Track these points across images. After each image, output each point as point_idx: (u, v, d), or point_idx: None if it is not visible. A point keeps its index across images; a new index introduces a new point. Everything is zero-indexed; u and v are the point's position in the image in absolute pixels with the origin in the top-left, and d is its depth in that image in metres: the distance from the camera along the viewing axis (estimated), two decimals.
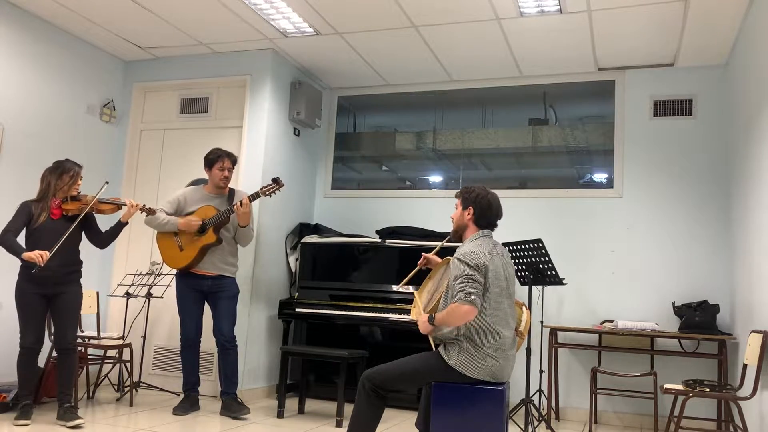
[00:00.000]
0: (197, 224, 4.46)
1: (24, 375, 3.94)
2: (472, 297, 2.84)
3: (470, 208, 3.14)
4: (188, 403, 4.52)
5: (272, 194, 4.51)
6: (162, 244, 4.58)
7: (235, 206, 4.40)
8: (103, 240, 4.26)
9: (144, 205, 4.34)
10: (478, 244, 3.05)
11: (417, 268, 3.44)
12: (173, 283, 5.19)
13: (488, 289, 2.94)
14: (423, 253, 3.45)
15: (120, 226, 4.26)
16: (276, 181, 4.49)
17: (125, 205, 4.24)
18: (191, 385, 4.58)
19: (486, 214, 3.12)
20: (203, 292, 4.58)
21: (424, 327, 3.03)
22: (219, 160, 4.58)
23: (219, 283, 4.56)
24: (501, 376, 2.98)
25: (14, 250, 3.87)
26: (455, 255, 3.01)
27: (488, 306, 2.94)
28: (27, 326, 3.93)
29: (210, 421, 4.29)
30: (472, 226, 3.15)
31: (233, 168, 4.67)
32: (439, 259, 3.39)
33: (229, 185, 4.73)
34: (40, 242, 3.92)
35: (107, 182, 4.39)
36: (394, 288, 5.23)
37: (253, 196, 4.46)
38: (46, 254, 3.81)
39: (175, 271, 5.23)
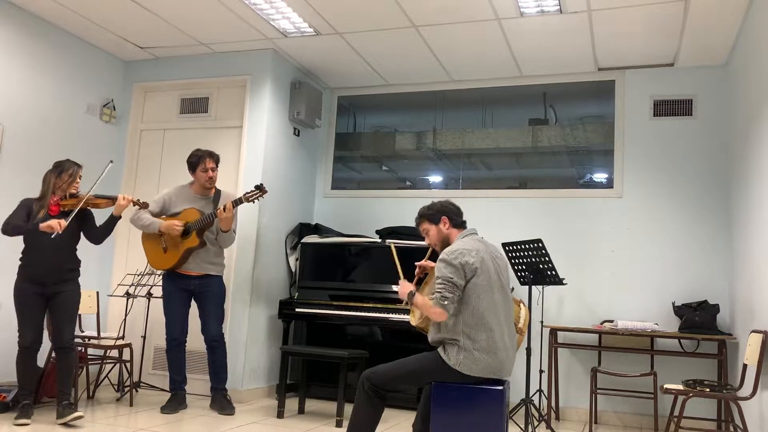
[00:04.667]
0: (179, 230, 4.43)
1: (23, 374, 3.95)
2: (446, 303, 2.92)
3: (443, 218, 3.26)
4: (176, 402, 4.54)
5: (255, 200, 4.48)
6: (147, 245, 4.59)
7: (218, 211, 4.38)
8: (97, 235, 4.28)
9: (138, 200, 4.36)
10: (464, 241, 3.13)
11: (416, 278, 3.48)
12: None
13: (476, 283, 2.98)
14: (416, 263, 3.47)
15: (113, 220, 4.26)
16: (259, 188, 4.44)
17: (115, 198, 4.25)
18: (178, 383, 4.61)
19: (458, 213, 3.28)
20: (190, 292, 4.60)
21: (402, 291, 3.13)
22: (201, 161, 4.55)
23: (205, 282, 4.59)
24: (501, 373, 2.98)
25: (24, 228, 3.92)
26: (441, 255, 3.07)
27: (480, 300, 2.97)
28: (25, 325, 3.95)
29: (209, 421, 4.29)
30: (453, 231, 3.25)
31: (217, 167, 4.64)
32: (433, 264, 3.40)
33: (217, 186, 4.73)
34: (37, 238, 3.94)
35: (111, 161, 4.41)
36: (393, 288, 5.22)
37: (236, 202, 4.42)
38: (64, 222, 3.86)
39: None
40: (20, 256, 4.03)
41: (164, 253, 4.53)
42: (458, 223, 3.26)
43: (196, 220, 4.46)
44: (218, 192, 4.70)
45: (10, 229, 3.95)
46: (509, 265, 3.29)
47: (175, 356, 4.59)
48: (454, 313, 2.97)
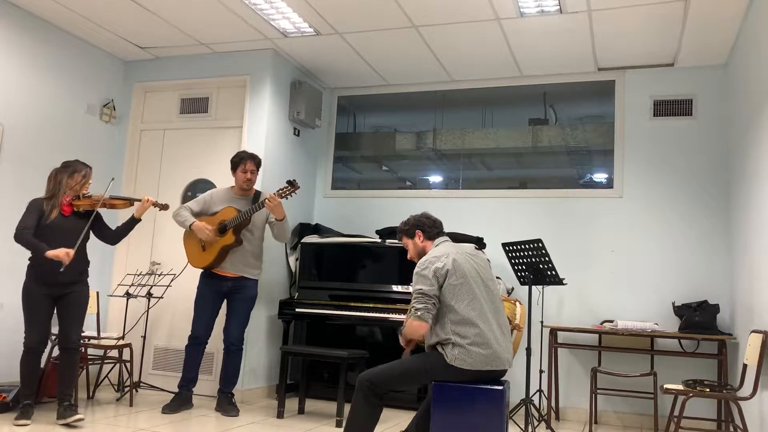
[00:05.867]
0: (209, 232, 4.47)
1: (26, 375, 3.93)
2: (419, 313, 3.00)
3: (417, 232, 3.37)
4: (178, 402, 4.53)
5: (289, 196, 4.53)
6: (187, 244, 4.65)
7: (266, 201, 4.44)
8: (114, 236, 4.28)
9: (157, 201, 4.36)
10: (435, 249, 3.23)
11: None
12: (174, 284, 5.22)
13: (451, 283, 3.05)
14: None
15: (133, 222, 4.27)
16: (291, 183, 4.50)
17: (137, 201, 4.25)
18: (187, 381, 4.60)
19: (430, 224, 3.38)
20: (223, 293, 4.63)
21: (401, 340, 3.24)
22: (242, 162, 4.66)
23: (239, 284, 4.62)
24: (499, 363, 3.00)
25: (36, 247, 3.86)
26: (415, 269, 3.16)
27: (460, 298, 3.03)
28: (32, 327, 3.92)
29: (209, 421, 4.29)
30: (428, 243, 3.36)
31: (257, 170, 4.72)
32: None
33: (255, 188, 4.80)
34: (50, 239, 3.91)
35: (113, 179, 4.41)
36: (394, 288, 5.22)
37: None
38: (72, 251, 3.82)
39: (177, 272, 5.25)
40: (29, 256, 4.01)
41: (202, 251, 4.56)
42: (432, 234, 3.36)
43: (232, 217, 4.51)
44: (258, 193, 4.78)
45: (24, 241, 3.87)
46: (490, 263, 3.35)
47: (192, 354, 4.60)
48: (442, 316, 3.04)
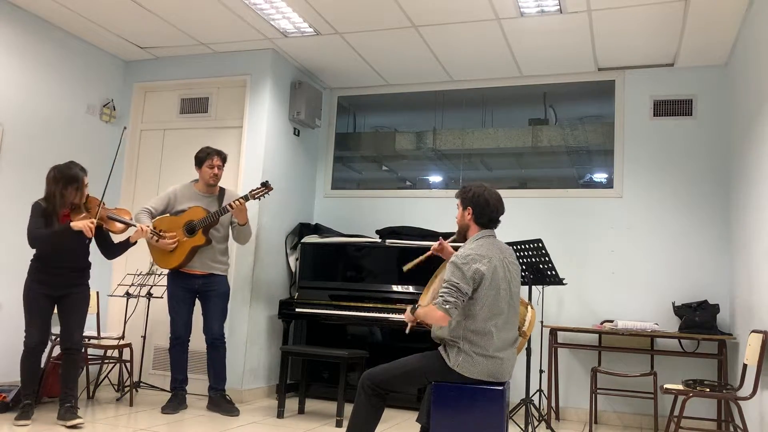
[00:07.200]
0: (171, 248, 4.46)
1: (27, 375, 3.93)
2: (448, 306, 2.85)
3: (469, 208, 3.12)
4: (176, 402, 4.54)
5: (261, 197, 4.52)
6: (152, 245, 4.57)
7: (234, 204, 4.42)
8: (110, 252, 4.26)
9: (154, 230, 4.31)
10: (478, 245, 3.03)
11: (430, 252, 3.39)
12: None
13: (482, 292, 2.92)
14: (440, 238, 3.39)
15: (128, 244, 4.25)
16: (265, 185, 4.49)
17: (134, 226, 4.22)
18: (179, 383, 4.61)
19: (485, 212, 3.09)
20: (194, 291, 4.61)
21: (407, 315, 3.08)
22: (208, 158, 4.62)
23: (209, 281, 4.60)
24: (501, 376, 2.97)
25: (54, 232, 3.85)
26: (452, 257, 3.00)
27: (483, 308, 2.93)
28: (32, 326, 3.92)
29: (209, 421, 4.29)
30: (473, 226, 3.13)
31: (223, 165, 4.69)
32: (453, 250, 3.31)
33: (221, 184, 4.76)
34: (50, 248, 3.92)
35: (125, 127, 4.38)
36: (393, 288, 5.22)
37: (243, 199, 4.47)
38: (95, 220, 3.86)
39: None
40: (32, 257, 4.00)
41: (170, 252, 4.53)
42: (480, 222, 3.11)
43: (201, 218, 4.49)
44: (222, 190, 4.74)
45: (38, 243, 3.86)
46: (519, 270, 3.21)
47: (177, 355, 4.60)
48: (459, 315, 2.95)
